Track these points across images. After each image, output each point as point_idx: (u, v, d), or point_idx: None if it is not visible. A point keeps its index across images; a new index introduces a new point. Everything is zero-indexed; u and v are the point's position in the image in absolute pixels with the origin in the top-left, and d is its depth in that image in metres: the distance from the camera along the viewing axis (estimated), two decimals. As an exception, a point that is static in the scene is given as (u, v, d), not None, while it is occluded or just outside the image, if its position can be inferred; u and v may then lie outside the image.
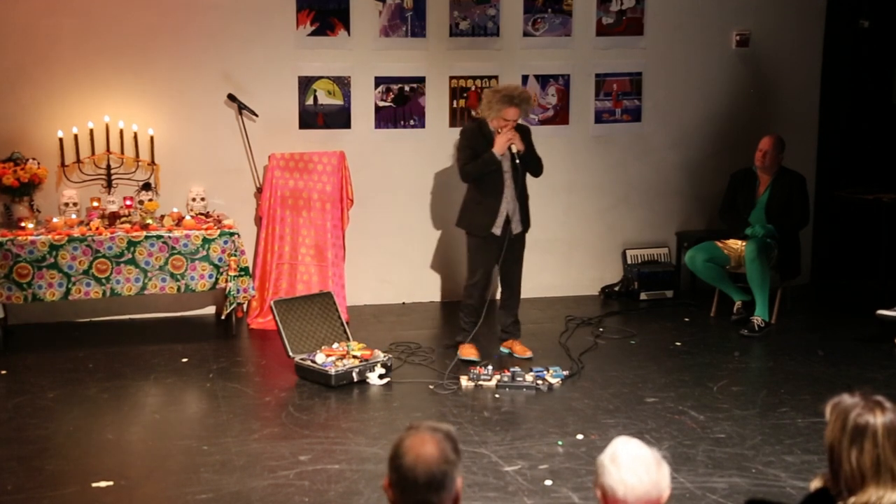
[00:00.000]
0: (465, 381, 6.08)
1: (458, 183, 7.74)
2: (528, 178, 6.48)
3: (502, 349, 6.66)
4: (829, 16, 8.33)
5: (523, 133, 6.41)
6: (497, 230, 6.40)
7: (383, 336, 6.97)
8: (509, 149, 6.30)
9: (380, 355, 6.29)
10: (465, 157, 6.47)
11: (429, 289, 7.95)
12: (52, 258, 6.66)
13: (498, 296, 6.96)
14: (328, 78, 7.57)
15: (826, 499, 2.79)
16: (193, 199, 7.29)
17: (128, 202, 7.07)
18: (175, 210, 7.13)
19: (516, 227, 6.44)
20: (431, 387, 6.08)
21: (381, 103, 7.68)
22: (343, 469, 4.91)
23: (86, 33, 7.14)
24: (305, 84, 7.53)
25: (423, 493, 2.54)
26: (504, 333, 6.66)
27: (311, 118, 7.58)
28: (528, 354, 6.54)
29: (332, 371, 6.03)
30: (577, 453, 5.11)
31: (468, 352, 6.46)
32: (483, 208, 6.41)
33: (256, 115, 7.42)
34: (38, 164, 6.98)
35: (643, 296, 8.01)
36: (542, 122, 7.89)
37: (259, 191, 7.45)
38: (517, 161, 6.31)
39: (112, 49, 7.18)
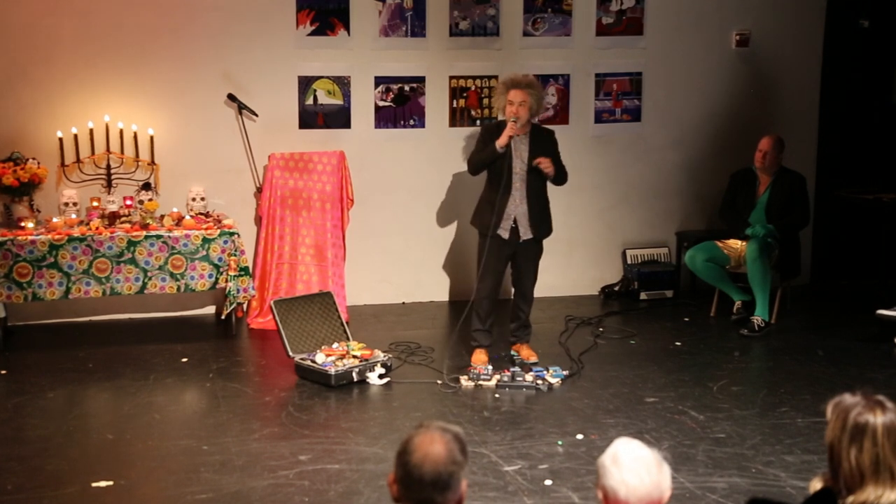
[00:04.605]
0: (465, 381, 6.08)
1: (459, 183, 7.80)
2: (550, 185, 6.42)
3: (512, 352, 6.62)
4: (829, 16, 8.33)
5: (548, 138, 6.36)
6: (504, 233, 6.31)
7: (383, 336, 6.97)
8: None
9: (380, 355, 6.29)
10: (475, 148, 6.49)
11: (429, 289, 7.95)
12: (52, 258, 6.65)
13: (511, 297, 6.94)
14: (328, 78, 7.56)
15: (829, 498, 2.79)
16: (193, 199, 7.29)
17: (128, 202, 7.07)
18: (175, 210, 7.13)
19: (525, 233, 6.33)
20: (439, 382, 6.09)
21: (381, 103, 7.68)
22: (343, 469, 4.92)
23: (86, 33, 7.14)
24: (305, 84, 7.53)
25: (427, 492, 2.54)
26: (513, 336, 6.61)
27: (311, 118, 7.58)
28: (534, 359, 6.48)
29: (332, 371, 6.02)
30: (577, 453, 5.11)
31: (477, 358, 6.39)
32: (491, 208, 6.32)
33: (256, 115, 7.42)
34: (38, 163, 6.98)
35: (643, 296, 8.00)
36: (542, 122, 7.87)
37: (259, 191, 7.45)
38: (531, 166, 6.22)
39: (112, 49, 7.18)
